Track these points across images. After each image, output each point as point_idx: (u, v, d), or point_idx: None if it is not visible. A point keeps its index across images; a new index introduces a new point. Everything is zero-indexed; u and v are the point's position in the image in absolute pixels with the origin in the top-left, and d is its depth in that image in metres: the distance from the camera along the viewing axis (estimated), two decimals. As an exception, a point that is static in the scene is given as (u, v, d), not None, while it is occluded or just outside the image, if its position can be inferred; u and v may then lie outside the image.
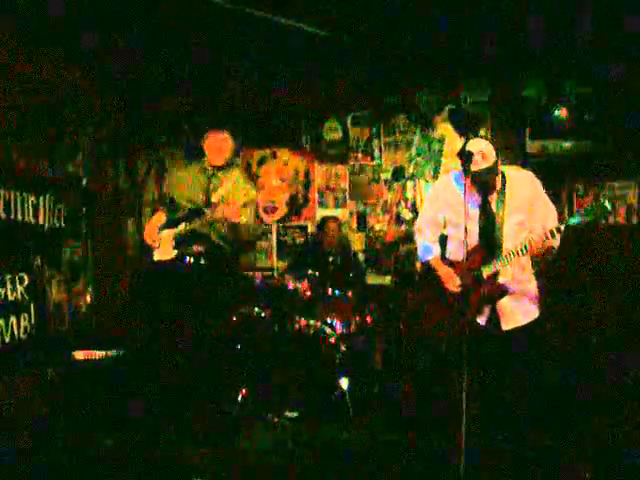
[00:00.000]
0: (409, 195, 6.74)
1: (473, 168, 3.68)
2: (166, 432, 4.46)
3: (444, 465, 3.76)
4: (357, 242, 6.87)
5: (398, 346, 5.72)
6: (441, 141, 6.65)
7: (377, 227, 6.85)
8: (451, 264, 4.07)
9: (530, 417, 4.05)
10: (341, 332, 5.43)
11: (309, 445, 4.34)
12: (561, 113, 6.32)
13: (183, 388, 4.71)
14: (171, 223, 4.85)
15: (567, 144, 6.33)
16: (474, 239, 3.90)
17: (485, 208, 3.93)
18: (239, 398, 4.92)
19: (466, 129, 6.51)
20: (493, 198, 3.92)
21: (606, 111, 6.22)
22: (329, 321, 5.46)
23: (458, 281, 3.97)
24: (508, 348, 3.97)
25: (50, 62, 5.48)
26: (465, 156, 3.68)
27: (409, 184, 6.75)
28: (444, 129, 6.65)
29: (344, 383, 4.99)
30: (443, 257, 4.15)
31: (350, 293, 5.63)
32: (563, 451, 4.04)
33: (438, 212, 4.17)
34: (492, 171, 3.78)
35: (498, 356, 3.98)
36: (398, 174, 6.77)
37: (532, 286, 4.06)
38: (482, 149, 3.73)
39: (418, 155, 6.72)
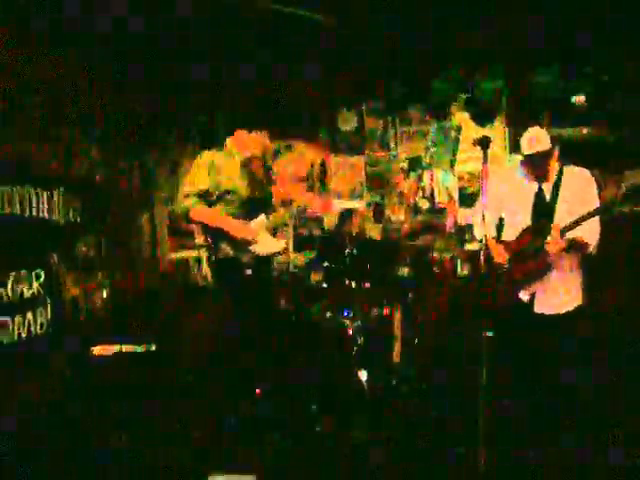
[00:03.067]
0: (426, 185, 6.69)
1: (528, 151, 3.98)
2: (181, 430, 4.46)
3: (462, 464, 3.73)
4: (374, 233, 6.82)
5: (417, 339, 5.69)
6: (457, 130, 6.59)
7: (394, 218, 6.80)
8: (506, 244, 4.24)
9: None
10: (359, 324, 5.39)
11: (326, 439, 4.31)
12: (579, 100, 6.25)
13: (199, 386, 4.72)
14: (251, 214, 4.81)
15: (585, 131, 6.27)
16: (526, 222, 4.14)
17: (539, 195, 4.14)
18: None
19: (482, 118, 6.46)
20: (548, 187, 4.11)
21: (625, 99, 6.14)
22: (346, 313, 5.42)
23: (506, 256, 4.15)
24: (534, 332, 4.07)
25: (58, 62, 5.45)
26: (483, 144, 3.70)
27: (426, 174, 6.70)
28: (460, 118, 6.59)
29: (363, 375, 4.97)
30: (498, 239, 4.31)
31: (368, 285, 5.59)
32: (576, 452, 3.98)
33: (498, 196, 4.28)
34: (546, 155, 3.99)
35: (523, 338, 4.10)
36: (414, 164, 6.73)
37: (575, 279, 4.14)
38: (536, 134, 3.99)
39: (434, 145, 6.67)
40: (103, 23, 5.40)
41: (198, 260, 7.07)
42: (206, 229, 4.80)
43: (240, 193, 4.82)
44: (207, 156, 4.84)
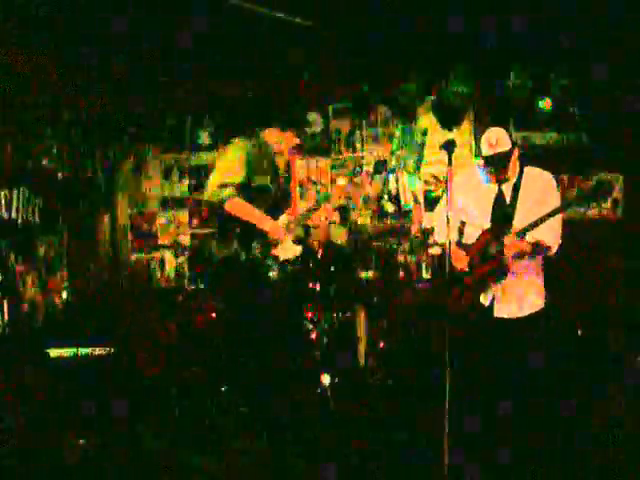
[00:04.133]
0: (391, 188, 6.67)
1: (488, 152, 3.91)
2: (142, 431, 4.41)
3: (425, 463, 3.72)
4: (340, 236, 6.78)
5: (382, 341, 5.69)
6: (424, 133, 6.58)
7: (360, 221, 6.76)
8: (465, 247, 4.19)
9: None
10: (323, 328, 5.37)
11: (289, 441, 4.28)
12: (545, 104, 6.28)
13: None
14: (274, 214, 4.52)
15: (551, 136, 6.30)
16: (486, 224, 4.09)
17: (499, 196, 4.08)
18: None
19: (449, 121, 6.47)
20: (508, 188, 4.06)
21: (591, 103, 6.19)
22: (311, 316, 5.39)
23: (466, 260, 4.10)
24: (494, 337, 4.04)
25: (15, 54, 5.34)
26: (448, 147, 3.71)
27: (391, 177, 6.68)
28: (427, 121, 6.59)
29: (326, 379, 4.94)
30: (459, 242, 4.24)
31: (332, 288, 5.58)
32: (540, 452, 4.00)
33: (458, 199, 4.21)
34: (506, 157, 3.92)
35: (483, 343, 4.07)
36: (380, 167, 6.70)
37: (535, 283, 4.11)
38: (496, 135, 3.92)
39: (400, 148, 6.65)
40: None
41: (162, 261, 6.99)
42: (234, 224, 4.41)
43: (271, 190, 4.59)
44: (242, 146, 4.55)
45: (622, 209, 6.18)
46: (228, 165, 4.45)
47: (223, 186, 4.35)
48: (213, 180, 4.43)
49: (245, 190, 4.40)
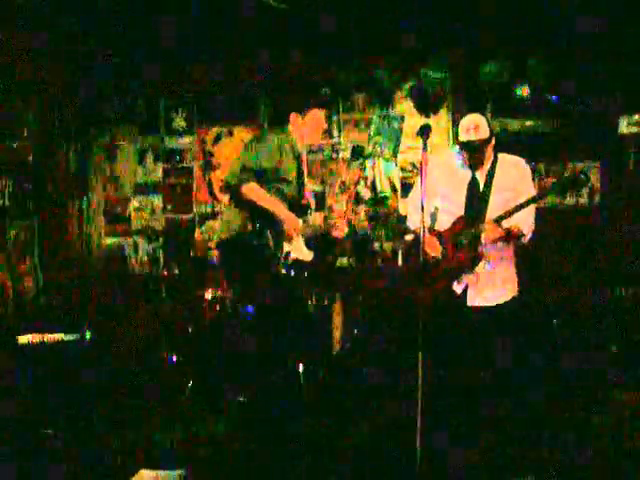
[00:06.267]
0: (368, 174, 6.64)
1: (465, 138, 3.89)
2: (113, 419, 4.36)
3: (397, 458, 3.71)
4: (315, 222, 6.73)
5: (356, 329, 5.67)
6: (401, 119, 6.55)
7: (335, 207, 6.73)
8: (438, 234, 4.15)
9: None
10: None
11: (261, 429, 4.24)
12: (523, 92, 6.27)
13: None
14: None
15: (529, 123, 6.29)
16: (460, 211, 4.07)
17: (473, 183, 4.07)
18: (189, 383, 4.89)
19: (426, 107, 6.45)
20: (482, 175, 4.05)
21: (569, 90, 6.19)
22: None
23: (440, 248, 4.07)
24: (466, 325, 4.04)
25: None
26: (424, 132, 3.63)
27: (368, 163, 6.65)
28: (404, 107, 6.55)
29: (300, 367, 4.92)
30: (432, 228, 4.19)
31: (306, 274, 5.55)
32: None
33: (432, 184, 4.09)
34: (483, 144, 3.91)
35: (456, 331, 4.08)
36: (357, 153, 6.66)
37: (509, 270, 4.12)
38: (476, 121, 3.91)
39: (377, 134, 6.62)
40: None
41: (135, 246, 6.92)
42: (250, 211, 4.41)
43: (291, 187, 4.56)
44: (275, 137, 4.55)
45: (599, 197, 6.21)
46: (255, 151, 4.46)
47: (244, 170, 4.37)
48: (237, 163, 4.48)
49: (266, 180, 4.40)
